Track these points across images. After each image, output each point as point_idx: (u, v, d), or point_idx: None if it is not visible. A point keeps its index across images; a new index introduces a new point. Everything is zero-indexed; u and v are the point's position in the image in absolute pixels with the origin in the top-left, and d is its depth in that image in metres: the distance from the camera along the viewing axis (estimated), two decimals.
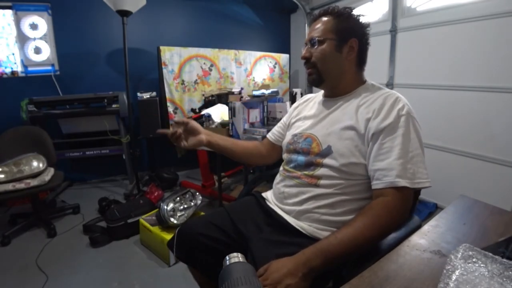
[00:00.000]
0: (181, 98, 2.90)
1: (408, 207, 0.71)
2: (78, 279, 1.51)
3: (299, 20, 3.70)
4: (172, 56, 2.78)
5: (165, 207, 1.71)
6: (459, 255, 0.47)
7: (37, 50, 2.53)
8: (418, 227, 0.78)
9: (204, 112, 2.20)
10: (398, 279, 0.48)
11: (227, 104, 2.02)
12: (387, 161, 0.71)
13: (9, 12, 2.43)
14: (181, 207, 1.79)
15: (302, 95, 2.25)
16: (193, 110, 2.78)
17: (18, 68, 2.53)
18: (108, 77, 2.81)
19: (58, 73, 2.61)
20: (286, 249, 0.72)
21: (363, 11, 2.73)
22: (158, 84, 2.87)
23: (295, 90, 2.39)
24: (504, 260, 0.45)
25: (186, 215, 1.76)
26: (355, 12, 0.86)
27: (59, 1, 2.53)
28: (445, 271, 0.45)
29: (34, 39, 2.51)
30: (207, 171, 2.53)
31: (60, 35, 2.58)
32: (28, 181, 1.76)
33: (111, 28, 2.73)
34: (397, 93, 0.80)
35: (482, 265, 0.45)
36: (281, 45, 3.86)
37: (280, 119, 2.04)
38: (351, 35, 0.83)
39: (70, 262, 1.65)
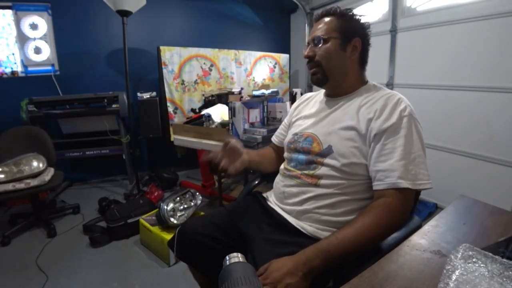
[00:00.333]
0: (181, 98, 2.90)
1: (409, 208, 0.71)
2: (78, 279, 1.51)
3: (299, 20, 3.70)
4: (172, 56, 2.78)
5: (165, 207, 1.71)
6: (459, 255, 0.47)
7: (37, 50, 2.53)
8: (418, 227, 0.78)
9: (204, 112, 2.20)
10: (398, 279, 0.48)
11: (227, 104, 2.02)
12: (389, 162, 0.71)
13: (9, 12, 2.43)
14: (181, 207, 1.79)
15: (302, 95, 2.25)
16: (193, 110, 2.78)
17: (18, 68, 2.53)
18: (108, 77, 2.81)
19: (58, 73, 2.61)
20: (286, 248, 0.72)
21: (363, 11, 2.73)
22: (158, 84, 2.86)
23: (295, 90, 2.39)
24: (504, 260, 0.45)
25: (186, 215, 1.76)
26: (357, 13, 0.87)
27: (59, 1, 2.53)
28: (445, 271, 0.45)
29: (34, 39, 2.51)
30: (207, 171, 2.53)
31: (60, 35, 2.58)
32: (28, 181, 1.76)
33: (111, 28, 2.73)
34: (399, 94, 0.80)
35: (482, 265, 0.45)
36: (281, 45, 3.86)
37: (280, 119, 2.05)
38: (354, 34, 0.83)
39: (70, 262, 1.65)
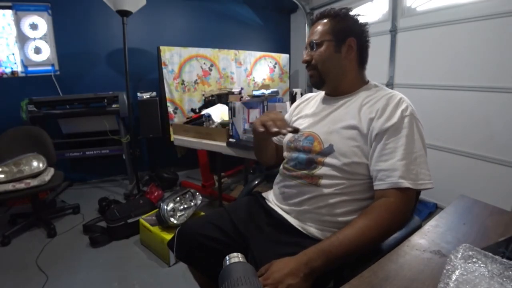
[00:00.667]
0: (181, 98, 2.90)
1: (410, 208, 0.71)
2: (78, 279, 1.51)
3: (299, 20, 3.70)
4: (172, 56, 2.78)
5: (165, 207, 1.71)
6: (459, 255, 0.47)
7: (37, 50, 2.53)
8: (418, 227, 0.78)
9: (204, 112, 2.20)
10: (398, 279, 0.48)
11: (227, 104, 2.02)
12: (390, 161, 0.71)
13: (9, 12, 2.43)
14: (181, 207, 1.79)
15: (302, 95, 2.25)
16: (193, 110, 2.77)
17: (18, 68, 2.53)
18: (108, 77, 2.81)
19: (58, 73, 2.61)
20: (287, 249, 0.72)
21: (363, 11, 2.73)
22: (158, 84, 2.86)
23: (295, 90, 2.39)
24: (504, 260, 0.45)
25: (186, 215, 1.76)
26: (352, 11, 0.86)
27: (59, 1, 2.53)
28: (445, 271, 0.45)
29: (34, 39, 2.51)
30: (207, 171, 2.53)
31: (60, 35, 2.58)
32: (28, 181, 1.76)
33: (111, 28, 2.73)
34: (400, 93, 0.80)
35: (482, 265, 0.45)
36: (281, 45, 3.86)
37: None
38: (348, 34, 0.83)
39: (70, 262, 1.65)
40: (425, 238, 0.60)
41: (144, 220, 1.79)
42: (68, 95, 2.51)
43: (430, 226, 0.64)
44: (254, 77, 3.44)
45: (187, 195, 1.86)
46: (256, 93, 2.13)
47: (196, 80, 2.99)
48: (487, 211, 0.71)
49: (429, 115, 2.15)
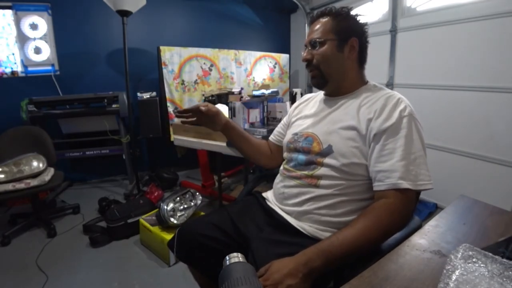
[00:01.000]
0: (181, 98, 2.90)
1: (411, 209, 0.71)
2: (78, 279, 1.51)
3: (299, 20, 3.70)
4: (172, 56, 2.78)
5: (165, 207, 1.70)
6: (459, 255, 0.47)
7: (37, 50, 2.53)
8: (418, 227, 0.78)
9: None
10: (398, 279, 0.48)
11: (227, 104, 2.02)
12: (389, 162, 0.70)
13: (9, 12, 2.43)
14: (181, 207, 1.79)
15: (302, 95, 2.25)
16: None
17: (18, 68, 2.53)
18: (108, 77, 2.81)
19: (58, 73, 2.61)
20: (286, 249, 0.72)
21: (363, 11, 2.73)
22: (158, 84, 2.86)
23: (295, 90, 2.39)
24: (504, 260, 0.45)
25: (186, 215, 1.76)
26: (353, 11, 0.86)
27: (59, 1, 2.53)
28: (445, 271, 0.45)
29: (34, 39, 2.51)
30: (207, 171, 2.53)
31: (60, 35, 2.58)
32: (28, 181, 1.76)
33: (111, 28, 2.73)
34: (399, 94, 0.79)
35: (482, 265, 0.45)
36: (281, 45, 3.86)
37: (280, 119, 2.04)
38: (351, 34, 0.83)
39: (70, 262, 1.65)
40: (425, 238, 0.60)
41: (144, 220, 1.79)
42: (68, 95, 2.51)
43: (430, 226, 0.64)
44: (254, 77, 3.44)
45: (187, 195, 1.86)
46: (256, 93, 2.12)
47: (196, 80, 2.99)
48: (487, 211, 0.71)
49: (429, 115, 2.16)
